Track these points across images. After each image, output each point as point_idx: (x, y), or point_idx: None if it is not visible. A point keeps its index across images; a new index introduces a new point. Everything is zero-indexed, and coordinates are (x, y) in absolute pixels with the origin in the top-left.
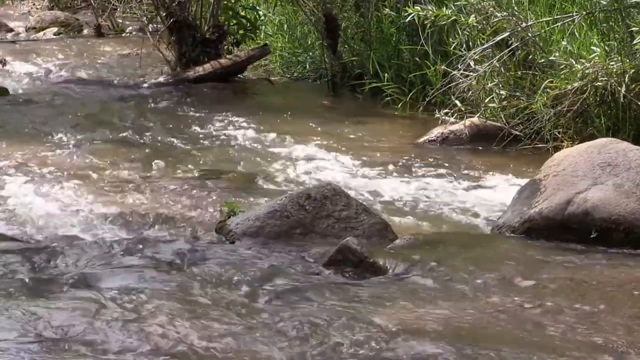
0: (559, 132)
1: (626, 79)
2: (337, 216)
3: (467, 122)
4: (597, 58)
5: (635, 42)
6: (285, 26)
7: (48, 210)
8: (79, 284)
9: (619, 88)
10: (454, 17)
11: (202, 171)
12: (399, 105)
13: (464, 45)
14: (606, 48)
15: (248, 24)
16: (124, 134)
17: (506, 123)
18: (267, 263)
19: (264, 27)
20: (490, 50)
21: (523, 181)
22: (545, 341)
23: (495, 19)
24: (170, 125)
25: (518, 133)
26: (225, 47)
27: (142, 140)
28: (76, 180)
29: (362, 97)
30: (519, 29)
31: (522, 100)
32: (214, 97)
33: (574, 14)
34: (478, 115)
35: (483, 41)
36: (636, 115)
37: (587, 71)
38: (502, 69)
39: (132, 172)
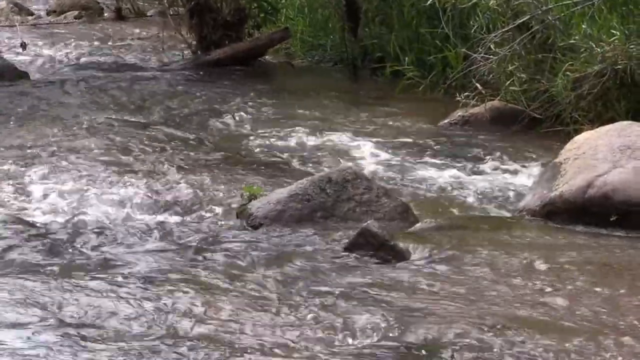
0: (579, 115)
1: None
2: (358, 199)
3: (488, 105)
4: (616, 41)
5: None
6: (306, 9)
7: (68, 195)
8: (100, 268)
9: (639, 71)
10: (474, 0)
11: (222, 155)
12: (420, 88)
13: (485, 28)
14: (626, 31)
15: (269, 7)
16: (145, 118)
17: (527, 106)
18: (288, 247)
19: (284, 10)
20: (510, 33)
21: (544, 164)
22: (567, 324)
23: (516, 2)
24: (191, 109)
25: (538, 116)
26: (246, 30)
27: (162, 124)
28: (96, 165)
29: (383, 80)
30: (539, 12)
31: (543, 83)
32: (234, 80)
33: None
34: (499, 98)
35: (503, 24)
36: None
37: (607, 54)
38: (522, 52)
39: (152, 156)
